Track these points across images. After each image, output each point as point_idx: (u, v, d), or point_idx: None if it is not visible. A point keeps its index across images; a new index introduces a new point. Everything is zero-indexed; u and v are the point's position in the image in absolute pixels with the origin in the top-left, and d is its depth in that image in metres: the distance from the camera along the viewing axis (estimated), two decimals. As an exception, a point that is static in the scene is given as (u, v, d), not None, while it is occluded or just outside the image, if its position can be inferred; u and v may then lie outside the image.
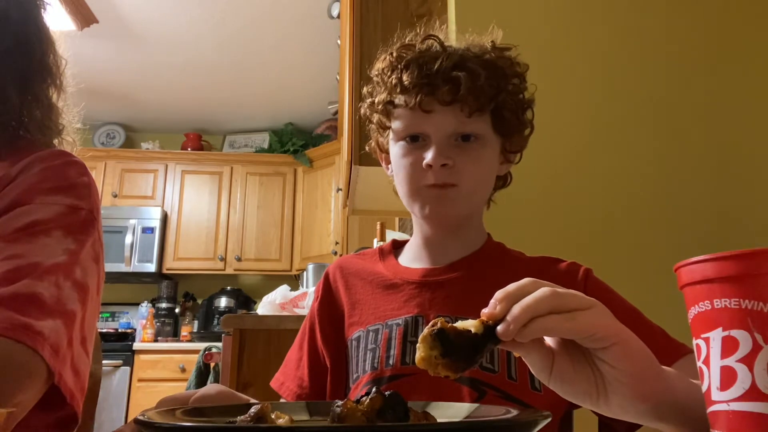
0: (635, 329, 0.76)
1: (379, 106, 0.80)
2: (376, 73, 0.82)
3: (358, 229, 3.46)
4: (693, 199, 1.43)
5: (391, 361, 0.74)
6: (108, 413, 3.53)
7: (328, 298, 0.87)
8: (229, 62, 3.77)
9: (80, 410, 0.69)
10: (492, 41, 0.81)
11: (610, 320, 0.44)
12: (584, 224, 1.40)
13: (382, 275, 0.84)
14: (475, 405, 0.48)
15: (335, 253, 3.92)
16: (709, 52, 1.52)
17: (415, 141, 0.78)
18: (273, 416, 0.40)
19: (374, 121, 0.84)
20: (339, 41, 2.54)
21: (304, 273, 2.87)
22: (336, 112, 3.94)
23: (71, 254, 0.71)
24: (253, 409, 0.38)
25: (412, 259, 0.86)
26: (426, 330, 0.42)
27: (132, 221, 4.18)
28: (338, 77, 2.64)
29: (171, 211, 4.39)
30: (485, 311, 0.44)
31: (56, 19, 3.00)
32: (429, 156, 0.74)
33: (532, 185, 1.37)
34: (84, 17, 2.99)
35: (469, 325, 0.43)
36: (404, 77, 0.76)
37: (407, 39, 0.82)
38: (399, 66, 0.78)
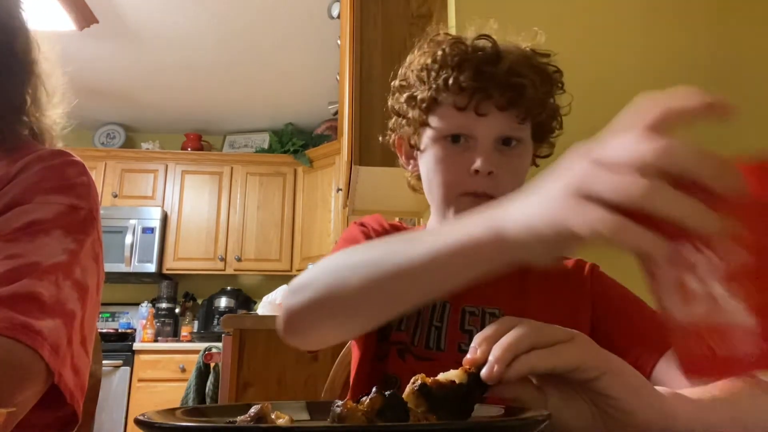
0: (638, 316, 0.75)
1: (423, 104, 0.77)
2: (420, 67, 0.79)
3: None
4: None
5: (415, 341, 0.74)
6: (108, 413, 3.53)
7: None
8: (229, 62, 3.77)
9: (80, 410, 0.69)
10: (531, 47, 0.80)
11: (595, 349, 0.43)
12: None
13: None
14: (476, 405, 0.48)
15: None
16: (710, 52, 1.52)
17: (456, 142, 0.76)
18: (273, 416, 0.40)
19: (410, 116, 0.80)
20: (339, 41, 2.54)
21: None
22: (336, 112, 3.94)
23: (71, 254, 0.71)
24: (253, 409, 0.38)
25: None
26: (408, 387, 0.40)
27: (132, 221, 4.18)
28: (338, 77, 2.64)
29: (171, 212, 4.39)
30: (467, 358, 0.42)
31: (56, 18, 3.00)
32: (478, 162, 0.73)
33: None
34: (84, 17, 2.99)
35: (452, 375, 0.41)
36: (460, 77, 0.74)
37: (441, 34, 0.80)
38: (450, 64, 0.75)
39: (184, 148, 4.64)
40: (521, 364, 0.41)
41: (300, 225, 4.42)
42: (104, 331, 3.90)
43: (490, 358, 0.41)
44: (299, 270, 4.25)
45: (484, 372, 0.41)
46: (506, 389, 0.42)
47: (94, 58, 3.68)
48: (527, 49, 0.80)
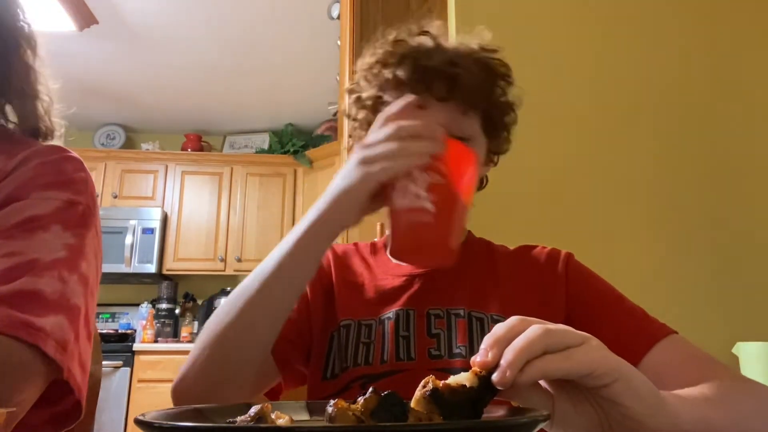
0: (617, 310, 0.75)
1: (368, 102, 0.78)
2: (365, 67, 0.80)
3: (357, 229, 3.46)
4: (689, 198, 1.43)
5: (385, 357, 0.73)
6: (108, 414, 3.53)
7: (319, 274, 0.83)
8: (229, 63, 3.77)
9: (85, 404, 0.69)
10: (478, 43, 0.80)
11: (607, 354, 0.43)
12: (581, 224, 1.40)
13: (373, 269, 0.84)
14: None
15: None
16: (708, 52, 1.52)
17: None
18: (273, 416, 0.40)
19: (360, 117, 0.81)
20: (339, 42, 2.54)
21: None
22: (336, 113, 3.94)
23: (71, 249, 0.70)
24: (253, 409, 0.38)
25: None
26: (418, 392, 0.39)
27: (132, 222, 4.18)
28: (338, 77, 2.64)
29: (171, 212, 4.39)
30: (477, 360, 0.41)
31: (56, 19, 3.00)
32: None
33: (528, 186, 1.37)
34: (84, 18, 2.99)
35: (463, 378, 0.40)
36: (398, 72, 0.74)
37: (394, 35, 0.80)
38: (391, 60, 0.76)
39: (184, 148, 4.64)
40: (534, 369, 0.40)
41: (300, 225, 4.42)
42: (104, 331, 3.90)
43: (502, 362, 0.40)
44: (299, 270, 4.24)
45: (496, 377, 0.40)
46: (516, 393, 0.42)
47: (94, 59, 3.68)
48: (474, 45, 0.79)
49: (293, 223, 4.43)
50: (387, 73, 0.76)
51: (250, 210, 4.46)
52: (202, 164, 4.53)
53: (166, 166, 4.49)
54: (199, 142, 4.69)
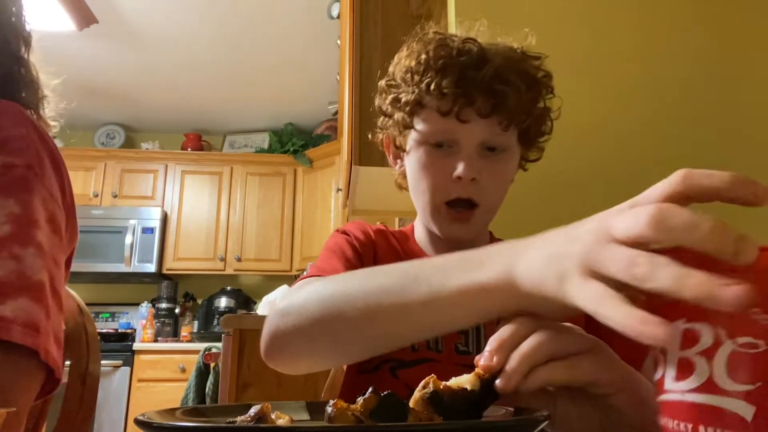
0: None
1: (407, 107, 0.76)
2: (404, 69, 0.77)
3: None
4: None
5: (416, 346, 0.74)
6: (108, 413, 3.53)
7: (365, 245, 0.82)
8: (229, 62, 3.77)
9: (61, 371, 0.64)
10: (522, 49, 0.78)
11: (615, 363, 0.42)
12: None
13: (402, 259, 0.82)
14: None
15: (335, 254, 3.92)
16: (715, 51, 1.52)
17: (440, 147, 0.75)
18: (273, 416, 0.40)
19: (396, 118, 0.79)
20: (339, 41, 2.54)
21: (304, 273, 2.87)
22: (336, 112, 3.94)
23: (18, 220, 0.61)
24: (253, 410, 0.38)
25: (422, 249, 0.85)
26: (418, 393, 0.38)
27: (132, 221, 4.18)
28: (338, 77, 2.64)
29: (171, 212, 4.39)
30: (481, 363, 0.40)
31: (56, 19, 2.99)
32: (460, 168, 0.72)
33: (538, 187, 1.37)
34: (84, 17, 2.98)
35: (464, 381, 0.40)
36: (443, 82, 0.72)
37: (435, 35, 0.77)
38: (434, 67, 0.73)
39: (184, 148, 4.64)
40: (538, 376, 0.39)
41: (300, 225, 4.42)
42: (104, 331, 3.90)
43: (507, 368, 0.39)
44: (299, 270, 4.25)
45: (499, 382, 0.39)
46: (518, 398, 0.41)
47: (94, 58, 3.68)
48: (518, 50, 0.77)
49: (293, 223, 4.44)
50: (428, 80, 0.73)
51: (250, 209, 4.46)
52: (202, 164, 4.53)
53: (166, 166, 4.49)
54: (198, 142, 4.69)
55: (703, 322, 0.33)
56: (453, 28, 1.41)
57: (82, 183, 4.32)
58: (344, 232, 0.83)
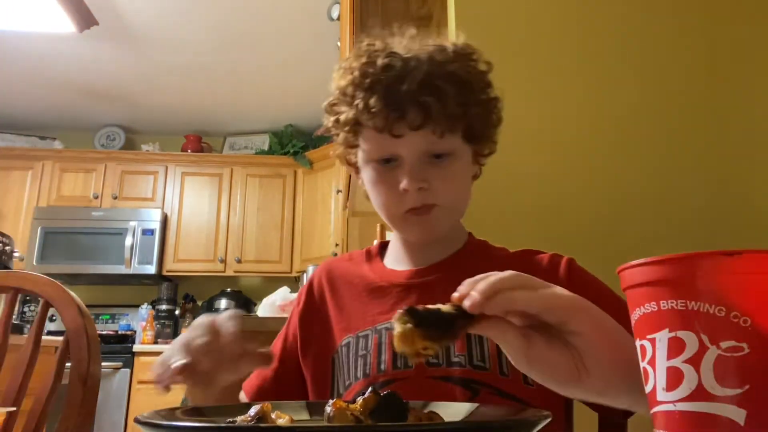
0: (619, 317, 0.76)
1: (346, 126, 0.78)
2: (339, 89, 0.79)
3: (358, 230, 3.46)
4: (686, 200, 1.43)
5: (383, 367, 0.73)
6: (108, 415, 3.53)
7: (310, 305, 0.86)
8: (229, 64, 3.78)
9: None
10: (453, 48, 0.77)
11: (568, 293, 0.46)
12: (577, 225, 1.40)
13: (368, 278, 0.84)
14: (475, 405, 0.48)
15: (335, 255, 3.92)
16: (707, 51, 1.52)
17: (386, 163, 0.76)
18: (273, 416, 0.40)
19: (341, 137, 0.81)
20: (339, 43, 2.54)
21: (304, 275, 2.87)
22: (336, 114, 3.93)
23: None
24: (253, 409, 0.38)
25: (395, 261, 0.86)
26: (395, 317, 0.44)
27: (132, 223, 4.18)
28: (338, 79, 2.64)
29: (171, 213, 4.39)
30: (454, 295, 0.45)
31: (56, 20, 3.00)
32: (404, 182, 0.73)
33: (524, 186, 1.37)
34: (84, 19, 2.99)
35: (441, 308, 0.45)
36: (370, 100, 0.73)
37: (365, 50, 0.77)
38: (362, 86, 0.74)
39: (184, 149, 4.64)
40: (501, 297, 0.44)
41: (300, 227, 4.42)
42: (104, 332, 3.90)
43: (473, 291, 0.44)
44: (299, 271, 4.25)
45: (466, 301, 0.44)
46: (490, 326, 0.45)
47: (94, 60, 3.68)
48: (448, 50, 0.76)
49: (293, 225, 4.44)
50: (359, 100, 0.74)
51: (250, 211, 4.46)
52: (202, 165, 4.53)
53: (166, 168, 4.49)
54: (199, 143, 4.69)
55: (686, 330, 0.34)
56: (453, 29, 1.41)
57: (82, 184, 4.32)
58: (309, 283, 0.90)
